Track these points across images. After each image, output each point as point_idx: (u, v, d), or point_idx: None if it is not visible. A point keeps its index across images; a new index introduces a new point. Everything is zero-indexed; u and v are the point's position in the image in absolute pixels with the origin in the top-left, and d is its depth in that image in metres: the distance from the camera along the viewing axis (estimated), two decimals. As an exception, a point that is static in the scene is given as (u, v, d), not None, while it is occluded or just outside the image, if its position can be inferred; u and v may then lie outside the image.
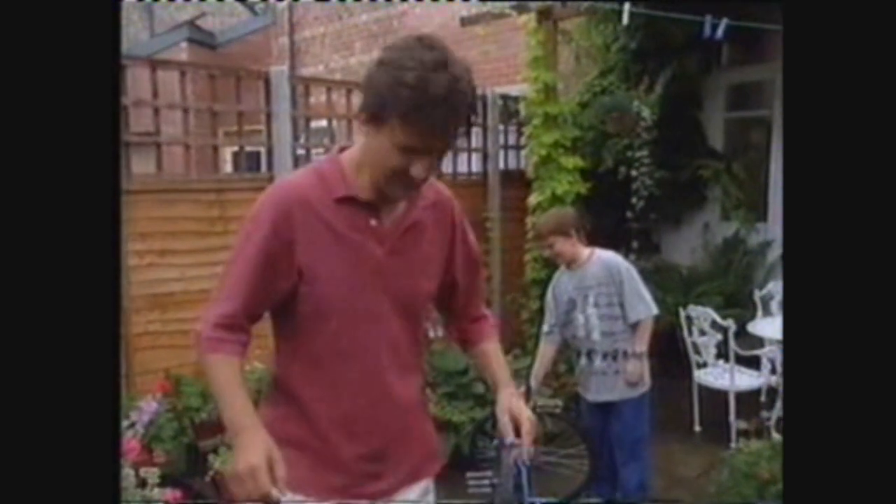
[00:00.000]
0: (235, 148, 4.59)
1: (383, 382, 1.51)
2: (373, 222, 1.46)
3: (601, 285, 3.50)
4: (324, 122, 5.13)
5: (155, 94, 4.01)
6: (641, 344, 3.50)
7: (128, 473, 2.43)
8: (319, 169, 1.49)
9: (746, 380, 4.72)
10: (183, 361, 4.04)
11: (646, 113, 4.98)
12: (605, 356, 3.52)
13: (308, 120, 4.85)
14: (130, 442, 2.65)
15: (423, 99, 1.28)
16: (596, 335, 3.52)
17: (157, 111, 4.03)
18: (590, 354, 3.56)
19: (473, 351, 1.75)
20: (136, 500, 2.44)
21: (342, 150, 1.53)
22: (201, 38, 8.16)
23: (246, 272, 1.43)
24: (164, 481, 2.56)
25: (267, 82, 4.44)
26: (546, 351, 3.75)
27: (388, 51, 1.37)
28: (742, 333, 4.67)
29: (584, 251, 3.56)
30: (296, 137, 4.61)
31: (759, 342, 4.74)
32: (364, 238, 1.45)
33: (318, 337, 1.47)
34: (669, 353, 4.92)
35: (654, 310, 3.52)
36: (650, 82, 5.78)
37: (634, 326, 3.50)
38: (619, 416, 3.56)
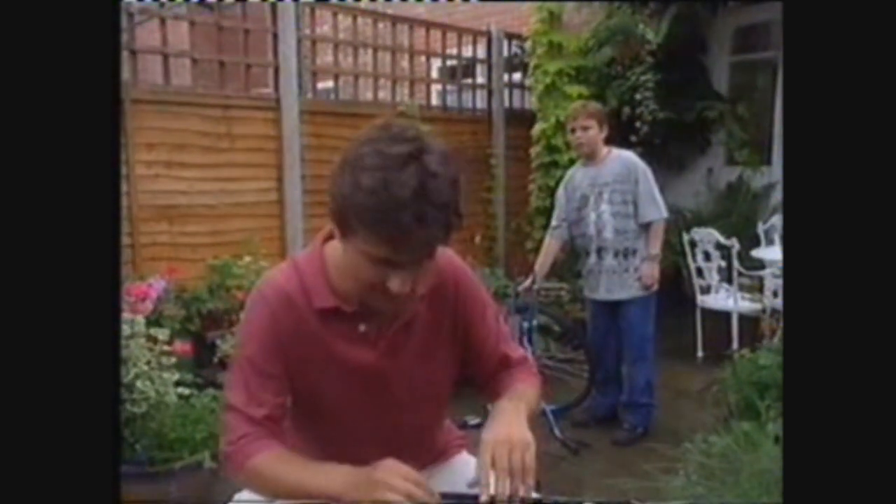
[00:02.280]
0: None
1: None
2: (361, 328, 1.30)
3: (617, 182, 3.49)
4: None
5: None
6: (655, 246, 3.53)
7: (137, 321, 2.44)
8: (302, 269, 1.31)
9: (749, 304, 4.73)
10: (188, 274, 4.09)
11: (650, 35, 4.98)
12: (616, 254, 3.53)
13: (314, 43, 4.88)
14: (141, 288, 2.65)
15: (383, 204, 1.07)
16: (608, 233, 3.52)
17: (163, 21, 4.06)
18: (600, 252, 3.56)
19: (500, 397, 1.39)
20: (144, 356, 2.47)
21: (328, 235, 1.30)
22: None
23: (251, 380, 1.27)
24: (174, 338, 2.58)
25: (273, 4, 4.48)
26: (551, 245, 3.79)
27: (350, 145, 1.15)
28: (746, 259, 4.69)
29: (604, 148, 3.57)
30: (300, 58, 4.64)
31: (762, 267, 4.76)
32: (352, 347, 1.30)
33: (306, 423, 1.37)
34: (672, 292, 4.94)
35: (665, 213, 3.56)
36: (657, 23, 5.77)
37: (644, 228, 3.52)
38: (628, 315, 3.59)
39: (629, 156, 3.59)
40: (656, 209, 3.50)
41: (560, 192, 3.75)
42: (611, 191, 3.49)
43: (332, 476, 1.19)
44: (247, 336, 1.30)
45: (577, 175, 3.65)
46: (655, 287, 3.56)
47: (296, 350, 1.28)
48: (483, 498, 1.13)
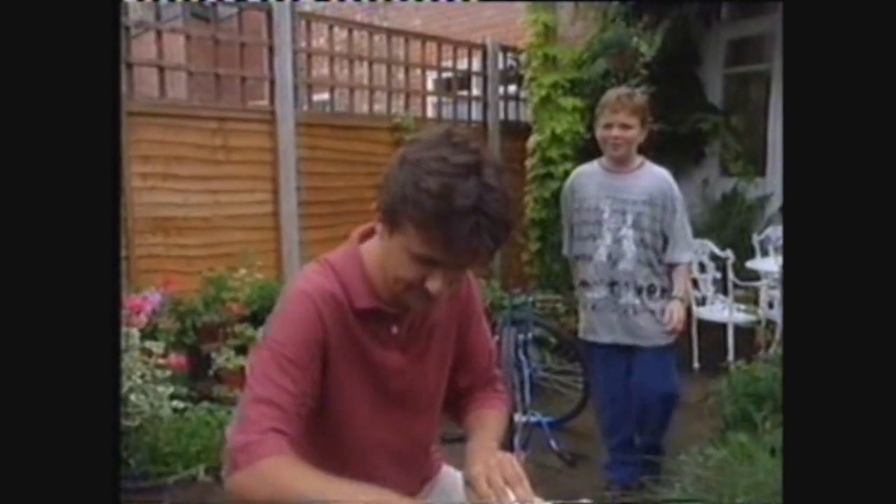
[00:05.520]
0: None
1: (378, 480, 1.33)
2: (394, 329, 1.32)
3: (648, 204, 2.76)
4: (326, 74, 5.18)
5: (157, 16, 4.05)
6: (682, 286, 2.90)
7: (132, 334, 2.42)
8: (339, 270, 1.30)
9: (744, 316, 4.74)
10: (184, 287, 4.08)
11: (644, 48, 5.02)
12: (638, 291, 2.82)
13: (309, 56, 4.90)
14: (136, 301, 2.64)
15: (445, 209, 1.10)
16: (627, 264, 2.80)
17: (158, 34, 4.07)
18: (613, 287, 2.83)
19: (469, 418, 1.44)
20: (138, 369, 2.46)
21: (364, 235, 1.34)
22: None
23: (282, 372, 1.21)
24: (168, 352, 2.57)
25: (269, 15, 4.50)
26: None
27: (411, 146, 1.19)
28: (741, 270, 4.71)
29: (638, 156, 2.83)
30: (296, 71, 4.66)
31: (757, 278, 4.78)
32: (384, 349, 1.32)
33: (319, 429, 1.31)
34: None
35: (693, 251, 3.08)
36: (651, 35, 5.81)
37: (669, 267, 2.86)
38: (646, 366, 2.88)
39: (665, 175, 2.84)
40: (689, 249, 2.88)
41: (566, 193, 2.97)
42: (637, 213, 2.76)
43: (357, 494, 1.11)
44: (285, 328, 1.24)
45: (592, 180, 2.86)
46: (678, 331, 2.90)
47: (332, 347, 1.26)
48: None
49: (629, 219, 2.77)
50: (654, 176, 2.81)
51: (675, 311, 2.82)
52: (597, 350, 2.96)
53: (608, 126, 2.74)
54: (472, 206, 1.10)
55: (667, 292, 2.82)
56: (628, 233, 2.78)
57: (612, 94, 2.80)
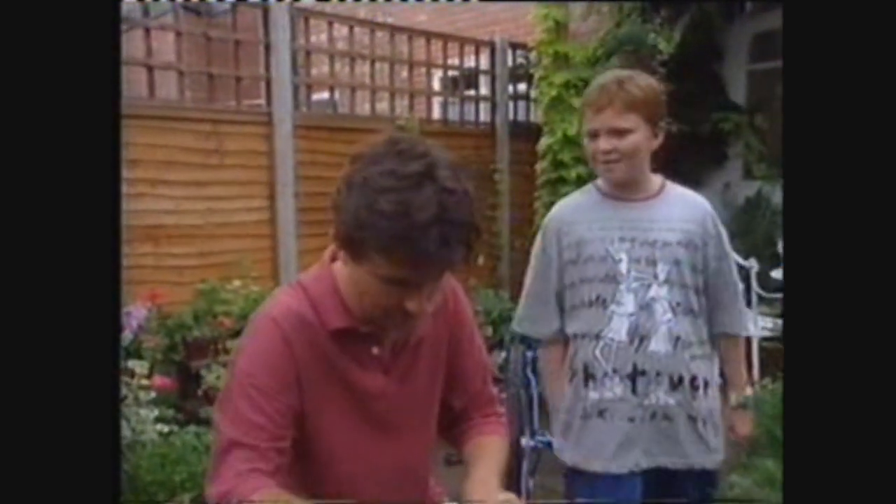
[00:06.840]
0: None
1: None
2: (375, 350, 1.26)
3: (685, 247, 1.82)
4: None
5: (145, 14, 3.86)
6: (742, 382, 1.98)
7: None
8: (310, 289, 1.25)
9: (770, 331, 4.49)
10: (175, 299, 3.89)
11: (662, 45, 4.77)
12: (674, 385, 1.81)
13: (308, 54, 4.72)
14: None
15: (406, 228, 1.03)
16: (660, 343, 1.80)
17: (147, 32, 3.89)
18: (636, 380, 1.81)
19: (468, 446, 1.38)
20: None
21: (336, 254, 1.23)
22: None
23: (255, 408, 1.17)
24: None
25: (265, 11, 4.31)
26: (553, 356, 1.98)
27: (355, 165, 1.10)
28: (766, 280, 4.48)
29: (654, 175, 1.90)
30: (295, 71, 4.47)
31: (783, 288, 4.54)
32: (363, 372, 1.26)
33: (301, 460, 1.25)
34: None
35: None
36: (669, 31, 5.58)
37: (717, 340, 1.92)
38: (683, 495, 1.87)
39: (702, 202, 1.92)
40: (746, 314, 2.03)
41: (540, 244, 1.95)
42: (673, 261, 1.81)
43: None
44: (251, 358, 1.21)
45: (591, 215, 1.89)
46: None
47: (305, 372, 1.21)
48: None
49: (661, 271, 1.81)
50: (686, 204, 1.89)
51: (740, 423, 1.85)
52: (597, 483, 1.84)
53: (593, 135, 1.81)
54: (434, 217, 1.04)
55: (709, 385, 1.86)
56: (660, 292, 1.81)
57: (593, 85, 1.85)
